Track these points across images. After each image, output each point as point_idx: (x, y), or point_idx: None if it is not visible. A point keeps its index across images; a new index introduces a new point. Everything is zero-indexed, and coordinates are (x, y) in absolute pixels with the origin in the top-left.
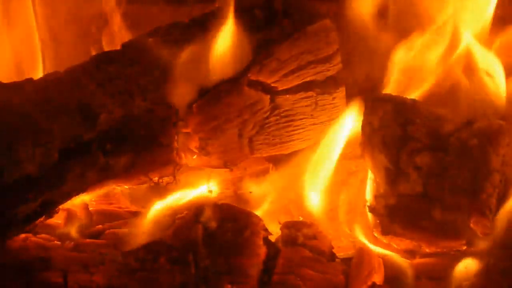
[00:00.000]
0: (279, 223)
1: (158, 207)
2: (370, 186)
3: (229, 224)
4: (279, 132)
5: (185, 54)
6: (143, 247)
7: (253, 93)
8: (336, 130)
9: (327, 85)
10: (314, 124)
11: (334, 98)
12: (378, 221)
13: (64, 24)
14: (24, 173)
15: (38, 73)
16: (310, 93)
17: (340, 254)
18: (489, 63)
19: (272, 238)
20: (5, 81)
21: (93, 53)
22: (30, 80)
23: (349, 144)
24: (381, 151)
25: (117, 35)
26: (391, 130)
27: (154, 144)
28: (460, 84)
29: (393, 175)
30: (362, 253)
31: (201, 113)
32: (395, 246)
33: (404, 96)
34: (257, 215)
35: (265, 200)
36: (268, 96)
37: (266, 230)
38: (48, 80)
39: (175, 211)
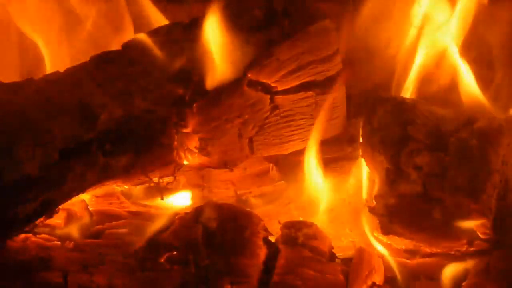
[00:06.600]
0: (279, 223)
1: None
2: (369, 186)
3: (229, 224)
4: (279, 132)
5: (185, 54)
6: (143, 247)
7: (253, 93)
8: None
9: (327, 85)
10: (314, 124)
11: (334, 98)
12: (378, 221)
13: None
14: (24, 173)
15: (38, 73)
16: (310, 93)
17: (340, 254)
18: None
19: (272, 238)
20: (5, 81)
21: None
22: (30, 80)
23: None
24: (380, 151)
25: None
26: (391, 130)
27: (154, 144)
28: (459, 84)
29: (393, 175)
30: (362, 253)
31: (201, 113)
32: (395, 246)
33: (404, 96)
34: (257, 215)
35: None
36: (268, 96)
37: (266, 230)
38: (48, 80)
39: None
